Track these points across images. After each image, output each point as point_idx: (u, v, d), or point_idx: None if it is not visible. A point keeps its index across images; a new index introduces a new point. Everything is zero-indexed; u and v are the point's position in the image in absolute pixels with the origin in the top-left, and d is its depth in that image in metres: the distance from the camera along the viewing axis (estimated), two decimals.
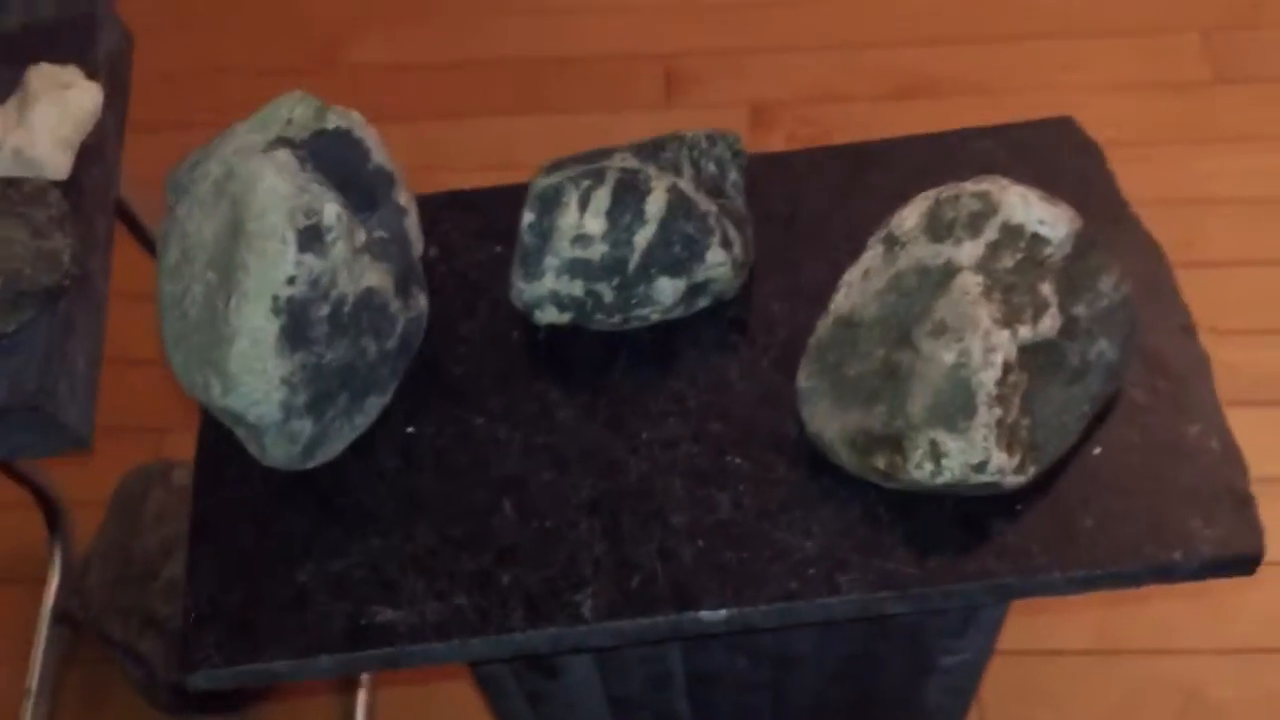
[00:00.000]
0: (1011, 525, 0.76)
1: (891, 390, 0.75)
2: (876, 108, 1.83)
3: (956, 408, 0.72)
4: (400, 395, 0.84)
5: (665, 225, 0.80)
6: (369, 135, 0.80)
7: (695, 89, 1.88)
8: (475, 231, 0.91)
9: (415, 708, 1.42)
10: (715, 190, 0.85)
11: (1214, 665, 1.38)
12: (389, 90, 1.92)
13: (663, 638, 0.76)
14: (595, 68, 1.92)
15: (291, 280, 0.73)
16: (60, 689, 1.45)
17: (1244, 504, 0.75)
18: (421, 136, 1.85)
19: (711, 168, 0.85)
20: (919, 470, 0.73)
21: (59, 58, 0.96)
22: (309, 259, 0.73)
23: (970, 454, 0.72)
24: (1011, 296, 0.74)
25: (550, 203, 0.81)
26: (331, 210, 0.74)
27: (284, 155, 0.73)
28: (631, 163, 0.82)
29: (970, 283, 0.74)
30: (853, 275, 0.80)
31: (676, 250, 0.81)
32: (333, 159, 0.78)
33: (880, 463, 0.75)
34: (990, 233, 0.76)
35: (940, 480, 0.73)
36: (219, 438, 0.83)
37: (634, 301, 0.82)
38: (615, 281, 0.81)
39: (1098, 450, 0.78)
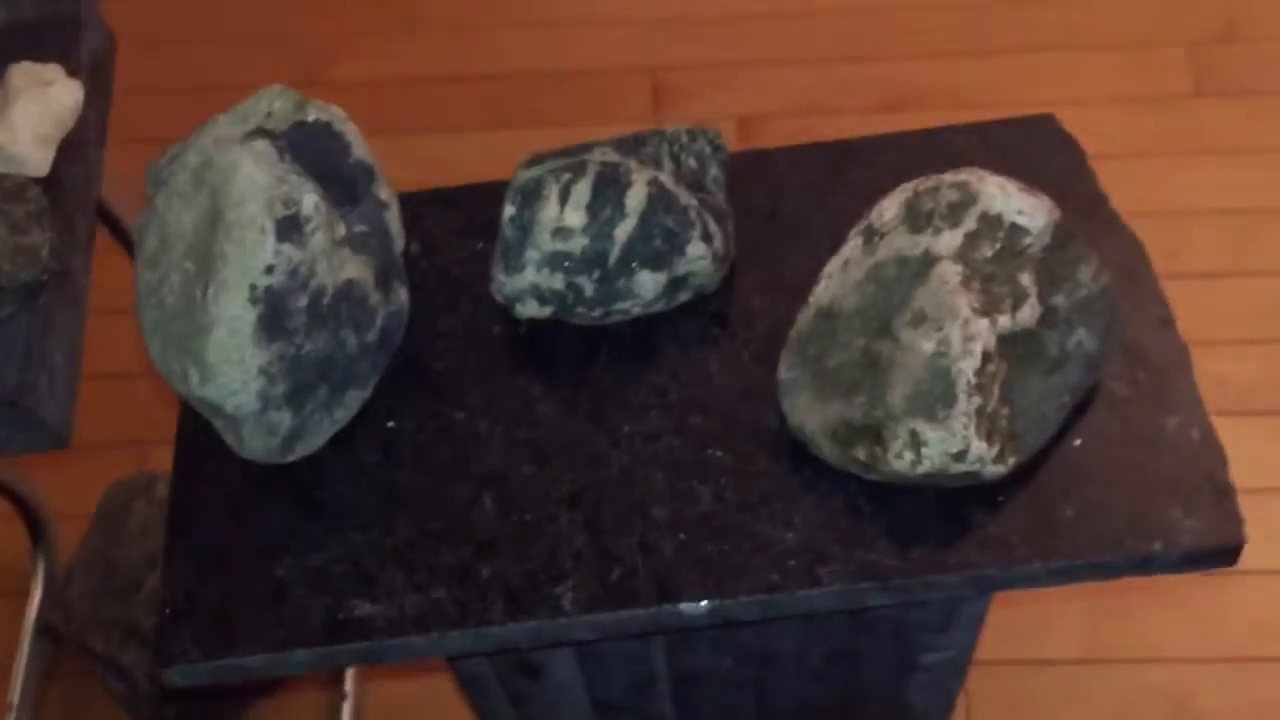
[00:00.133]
0: (992, 517, 0.76)
1: (871, 380, 0.75)
2: (864, 121, 1.83)
3: (936, 397, 0.72)
4: (381, 390, 0.84)
5: (646, 219, 0.81)
6: (349, 130, 0.80)
7: (683, 102, 1.89)
8: (457, 228, 0.91)
9: None
10: (696, 185, 0.85)
11: (1202, 674, 1.38)
12: (375, 105, 1.93)
13: (644, 630, 0.76)
14: (583, 81, 1.92)
15: (270, 269, 0.73)
16: (42, 703, 1.44)
17: (1224, 494, 0.75)
18: (408, 150, 1.85)
19: (692, 163, 0.85)
20: (899, 460, 0.73)
21: (41, 56, 0.96)
22: (287, 249, 0.73)
23: (950, 443, 0.72)
24: (990, 286, 0.74)
25: (531, 196, 0.81)
26: (310, 200, 0.74)
27: (262, 145, 0.73)
28: (612, 156, 0.82)
29: (949, 272, 0.74)
30: (833, 267, 0.80)
31: (657, 243, 0.81)
32: (313, 152, 0.78)
33: (861, 454, 0.75)
34: (969, 223, 0.76)
35: (920, 470, 0.73)
36: (198, 432, 0.82)
37: (615, 295, 0.82)
38: (596, 275, 0.81)
39: (1078, 442, 0.78)
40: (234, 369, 0.73)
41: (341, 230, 0.78)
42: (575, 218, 0.80)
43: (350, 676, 1.40)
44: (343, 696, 1.39)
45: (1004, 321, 0.74)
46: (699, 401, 0.82)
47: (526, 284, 0.82)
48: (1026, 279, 0.75)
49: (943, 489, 0.76)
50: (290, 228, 0.73)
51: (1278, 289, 1.64)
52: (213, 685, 0.78)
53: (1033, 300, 0.75)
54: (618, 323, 0.85)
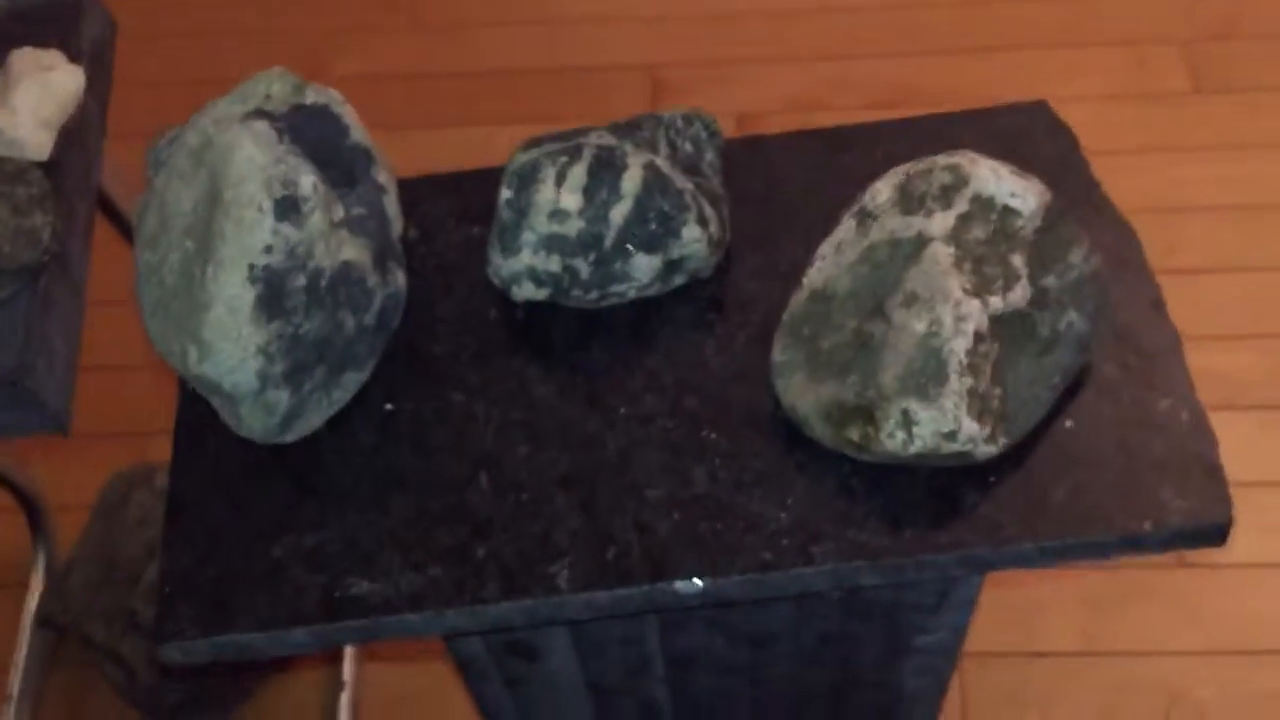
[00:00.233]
0: (984, 497, 0.76)
1: (864, 361, 0.75)
2: (861, 117, 1.82)
3: (928, 377, 0.73)
4: (378, 373, 0.84)
5: (641, 201, 0.81)
6: (347, 113, 0.81)
7: (682, 99, 1.90)
8: (455, 213, 0.92)
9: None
10: (692, 169, 0.85)
11: (1198, 667, 1.38)
12: (374, 101, 1.93)
13: (639, 609, 0.76)
14: (582, 78, 1.93)
15: (268, 249, 0.73)
16: (42, 694, 1.45)
17: (1213, 474, 0.76)
18: (407, 146, 1.86)
19: (688, 147, 0.86)
20: (891, 440, 0.74)
21: (42, 42, 0.97)
22: (286, 228, 0.74)
23: (941, 423, 0.73)
24: (982, 267, 0.75)
25: (527, 179, 0.82)
26: (308, 181, 0.75)
27: (261, 126, 0.74)
28: (608, 140, 0.83)
29: (941, 253, 0.75)
30: (826, 249, 0.80)
31: (653, 226, 0.81)
32: (311, 134, 0.78)
33: (854, 434, 0.75)
34: (961, 205, 0.76)
35: (912, 450, 0.74)
36: (197, 414, 0.83)
37: (610, 277, 0.82)
38: (592, 257, 0.82)
39: (1069, 423, 0.78)
40: (232, 346, 0.73)
41: (340, 212, 0.78)
42: (571, 200, 0.81)
43: (348, 665, 1.41)
44: (341, 686, 1.40)
45: (995, 302, 0.74)
46: (693, 384, 0.82)
47: (523, 266, 0.82)
48: (1018, 260, 0.76)
49: (935, 469, 0.76)
50: (288, 208, 0.74)
51: (1273, 284, 1.65)
52: (210, 667, 0.78)
53: (1024, 281, 0.75)
54: (613, 306, 0.85)
